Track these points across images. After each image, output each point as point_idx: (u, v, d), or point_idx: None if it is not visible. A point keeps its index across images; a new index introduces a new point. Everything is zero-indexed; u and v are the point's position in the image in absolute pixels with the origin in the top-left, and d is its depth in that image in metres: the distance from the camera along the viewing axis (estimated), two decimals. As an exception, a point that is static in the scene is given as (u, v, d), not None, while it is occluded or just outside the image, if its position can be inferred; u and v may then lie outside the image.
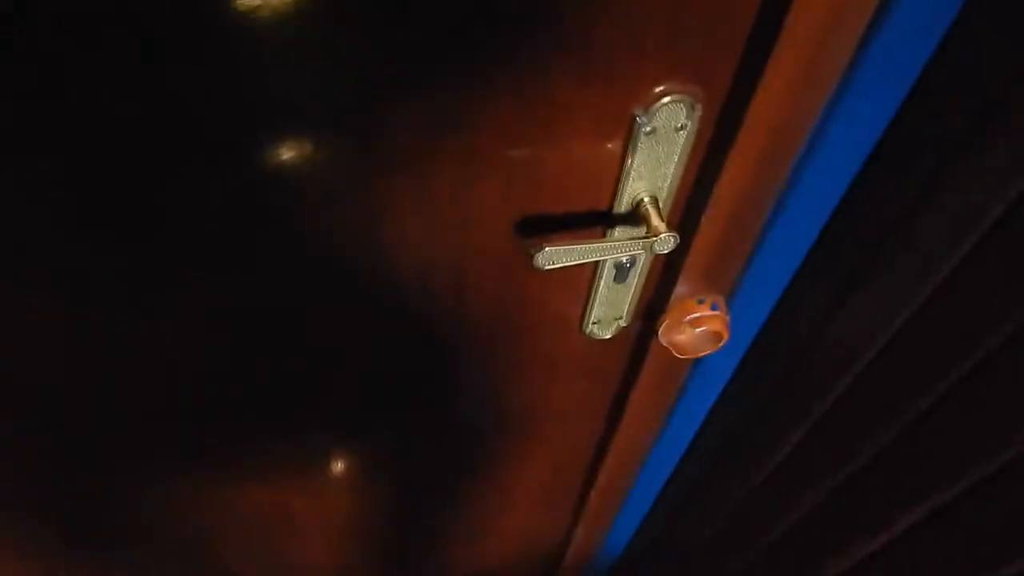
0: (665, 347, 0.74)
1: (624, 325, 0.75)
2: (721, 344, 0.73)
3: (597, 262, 0.67)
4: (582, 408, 0.94)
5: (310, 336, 0.68)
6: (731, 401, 0.88)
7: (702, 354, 0.74)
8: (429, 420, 0.88)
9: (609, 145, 0.56)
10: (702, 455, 1.00)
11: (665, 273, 0.70)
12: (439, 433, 0.92)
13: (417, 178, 0.54)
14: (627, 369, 0.86)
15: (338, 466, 0.94)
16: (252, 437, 0.80)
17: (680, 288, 0.69)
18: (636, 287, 0.70)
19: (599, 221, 0.62)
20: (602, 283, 0.69)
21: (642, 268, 0.68)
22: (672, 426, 0.97)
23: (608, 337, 0.76)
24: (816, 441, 0.78)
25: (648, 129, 0.55)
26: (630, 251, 0.58)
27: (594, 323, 0.74)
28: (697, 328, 0.70)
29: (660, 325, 0.71)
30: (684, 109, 0.54)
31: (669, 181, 0.60)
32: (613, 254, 0.58)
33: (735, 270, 0.69)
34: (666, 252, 0.58)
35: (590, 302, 0.71)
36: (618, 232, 0.63)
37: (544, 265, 0.56)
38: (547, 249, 0.54)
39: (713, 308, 0.70)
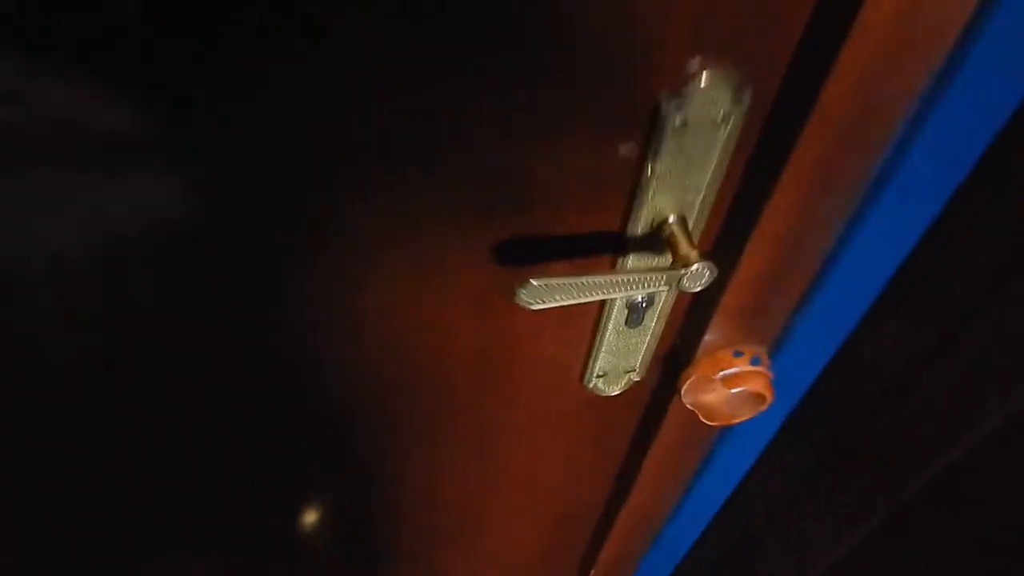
0: (689, 409, 0.57)
1: (637, 379, 0.59)
2: (762, 408, 0.57)
3: (604, 301, 0.52)
4: (584, 475, 0.77)
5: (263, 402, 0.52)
6: (768, 476, 0.72)
7: (736, 421, 0.58)
8: (407, 488, 0.72)
9: (623, 145, 0.41)
10: (728, 534, 0.83)
11: (692, 315, 0.54)
12: (419, 502, 0.75)
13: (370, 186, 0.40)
14: (639, 432, 0.69)
15: (311, 540, 0.77)
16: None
17: (711, 336, 0.53)
18: (654, 333, 0.54)
19: (607, 247, 0.47)
20: (610, 327, 0.53)
21: (662, 308, 0.52)
22: (692, 498, 0.80)
23: (616, 393, 0.60)
24: (882, 549, 0.60)
25: (677, 122, 0.40)
26: (648, 287, 0.43)
27: (599, 376, 0.58)
28: (732, 388, 0.54)
29: (684, 382, 0.55)
30: (727, 94, 0.39)
31: (703, 195, 0.44)
32: (625, 291, 0.43)
33: (783, 313, 0.53)
34: (697, 289, 0.42)
35: (594, 350, 0.56)
36: (633, 262, 0.47)
37: (530, 303, 0.41)
38: (533, 283, 0.39)
39: (753, 362, 0.54)
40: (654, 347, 0.56)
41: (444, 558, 0.91)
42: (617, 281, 0.42)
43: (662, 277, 0.43)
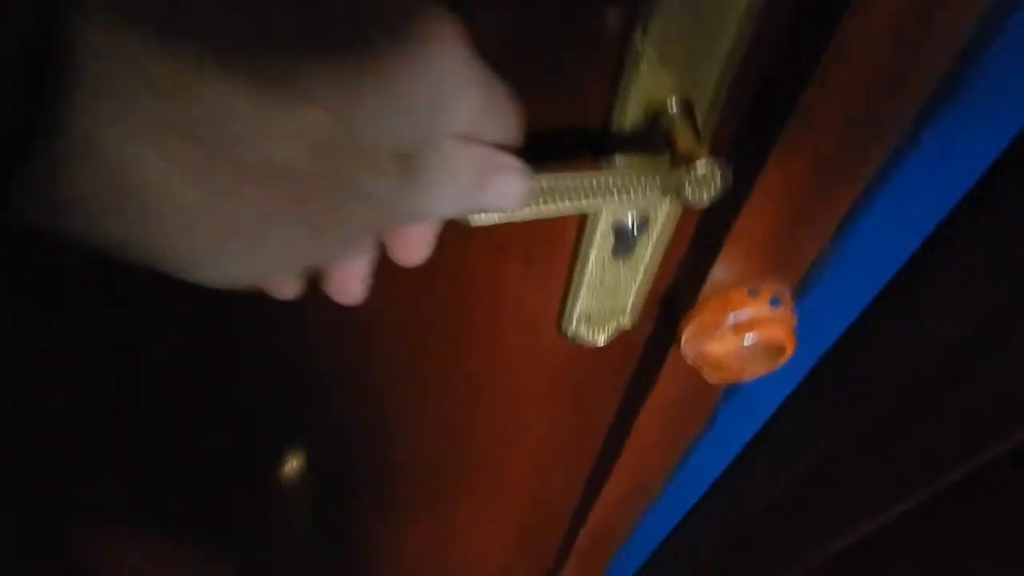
0: (691, 362, 0.47)
1: (627, 325, 0.48)
2: (781, 362, 0.46)
3: (583, 225, 0.40)
4: (566, 438, 0.67)
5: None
6: (779, 446, 0.61)
7: (748, 377, 0.47)
8: (372, 459, 0.63)
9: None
10: (728, 505, 0.73)
11: (698, 242, 0.43)
12: (383, 474, 0.66)
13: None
14: (632, 387, 0.59)
15: (274, 514, 0.69)
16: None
17: (721, 270, 0.42)
18: (648, 266, 0.43)
19: (585, 144, 0.35)
20: (592, 256, 0.42)
21: (658, 233, 0.41)
22: (690, 465, 0.70)
23: (602, 343, 0.49)
24: (905, 542, 0.50)
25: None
26: (636, 194, 0.31)
27: (580, 321, 0.47)
28: (745, 335, 0.43)
29: (685, 328, 0.44)
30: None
31: (716, 72, 0.32)
32: (603, 197, 0.31)
33: (816, 243, 0.42)
34: (703, 201, 0.31)
35: (573, 288, 0.44)
36: (619, 161, 0.36)
37: (477, 219, 0.29)
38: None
39: (773, 304, 0.43)
40: (648, 284, 0.45)
41: (416, 532, 0.83)
42: (596, 184, 0.31)
43: (655, 180, 0.31)
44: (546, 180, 0.30)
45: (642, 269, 0.43)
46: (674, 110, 0.33)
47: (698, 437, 0.65)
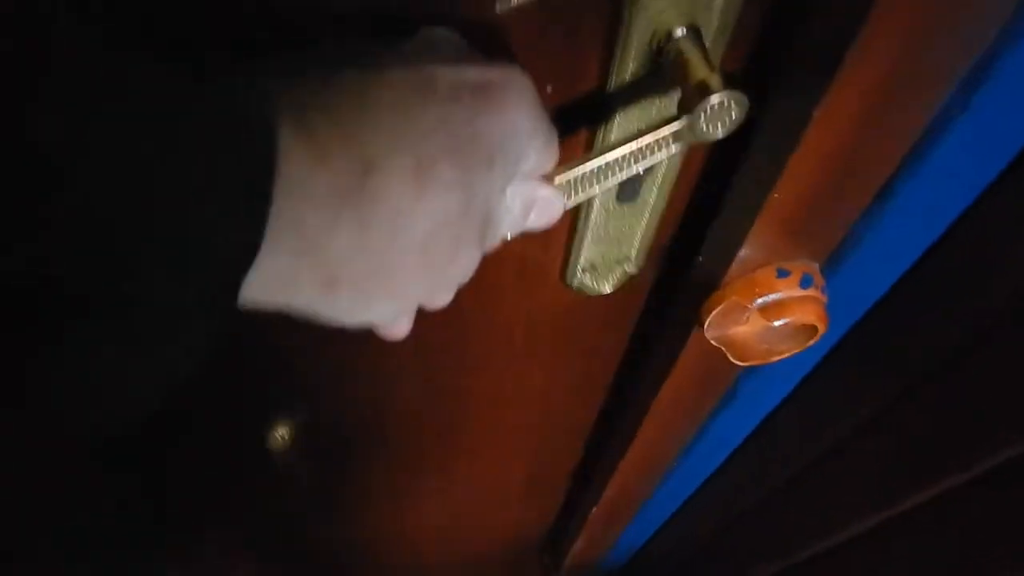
0: (713, 345, 0.44)
1: (633, 272, 0.46)
2: (811, 343, 0.43)
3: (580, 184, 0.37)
4: (570, 390, 0.65)
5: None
6: (798, 420, 0.59)
7: (776, 358, 0.45)
8: (367, 411, 0.60)
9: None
10: (742, 481, 0.72)
11: (724, 220, 0.40)
12: (371, 431, 0.64)
13: None
14: (650, 364, 0.56)
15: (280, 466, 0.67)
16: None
17: (748, 250, 0.39)
18: (653, 210, 0.41)
19: (585, 81, 0.32)
20: (596, 204, 0.39)
21: (664, 175, 0.38)
22: (706, 437, 0.68)
23: (608, 291, 0.47)
24: (930, 530, 0.48)
25: None
26: (655, 153, 0.29)
27: (585, 271, 0.45)
28: (774, 320, 0.40)
29: (709, 312, 0.41)
30: None
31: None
32: (624, 169, 0.29)
33: (850, 217, 0.38)
34: (720, 134, 0.29)
35: (577, 238, 0.42)
36: (622, 121, 0.33)
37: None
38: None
39: (804, 284, 0.40)
40: (654, 229, 0.43)
41: (420, 486, 0.81)
42: (609, 161, 0.28)
43: (668, 135, 0.28)
44: (566, 176, 0.28)
45: (647, 213, 0.41)
46: (681, 36, 0.29)
47: (717, 410, 0.63)
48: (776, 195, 0.35)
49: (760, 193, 0.35)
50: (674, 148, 0.29)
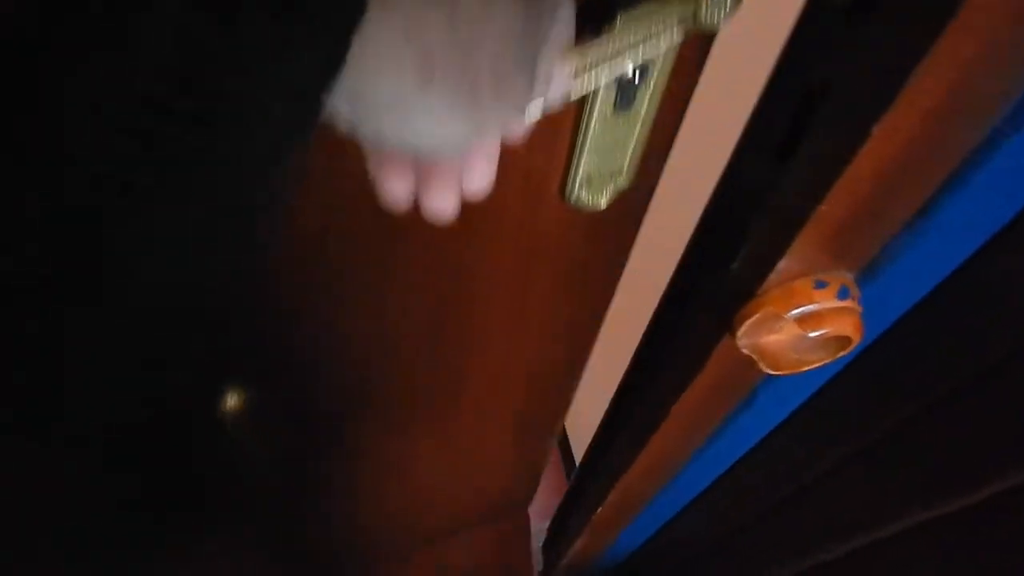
0: (743, 352, 0.44)
1: (624, 185, 0.45)
2: (844, 353, 0.43)
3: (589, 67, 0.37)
4: (564, 319, 0.63)
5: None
6: (820, 420, 0.59)
7: (805, 368, 0.45)
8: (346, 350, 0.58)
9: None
10: (759, 480, 0.72)
11: (767, 230, 0.40)
12: (350, 376, 0.61)
13: None
14: (670, 371, 0.56)
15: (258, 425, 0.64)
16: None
17: (788, 260, 0.38)
18: (645, 121, 0.41)
19: None
20: (596, 113, 0.39)
21: (657, 77, 0.38)
22: (718, 441, 0.68)
23: (603, 206, 0.46)
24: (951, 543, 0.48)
25: None
26: (659, 37, 0.31)
27: (581, 185, 0.45)
28: (810, 331, 0.40)
29: (743, 322, 0.41)
30: None
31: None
32: (632, 52, 0.31)
33: (891, 230, 0.38)
34: (718, 23, 0.30)
35: (578, 150, 0.42)
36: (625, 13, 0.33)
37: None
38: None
39: (841, 296, 0.40)
40: (644, 140, 0.42)
41: (411, 445, 0.77)
42: (619, 43, 0.29)
43: (672, 16, 0.30)
44: (578, 58, 0.30)
45: (639, 122, 0.41)
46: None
47: (733, 415, 0.63)
48: (824, 208, 0.35)
49: (807, 205, 0.35)
50: (676, 36, 0.31)
